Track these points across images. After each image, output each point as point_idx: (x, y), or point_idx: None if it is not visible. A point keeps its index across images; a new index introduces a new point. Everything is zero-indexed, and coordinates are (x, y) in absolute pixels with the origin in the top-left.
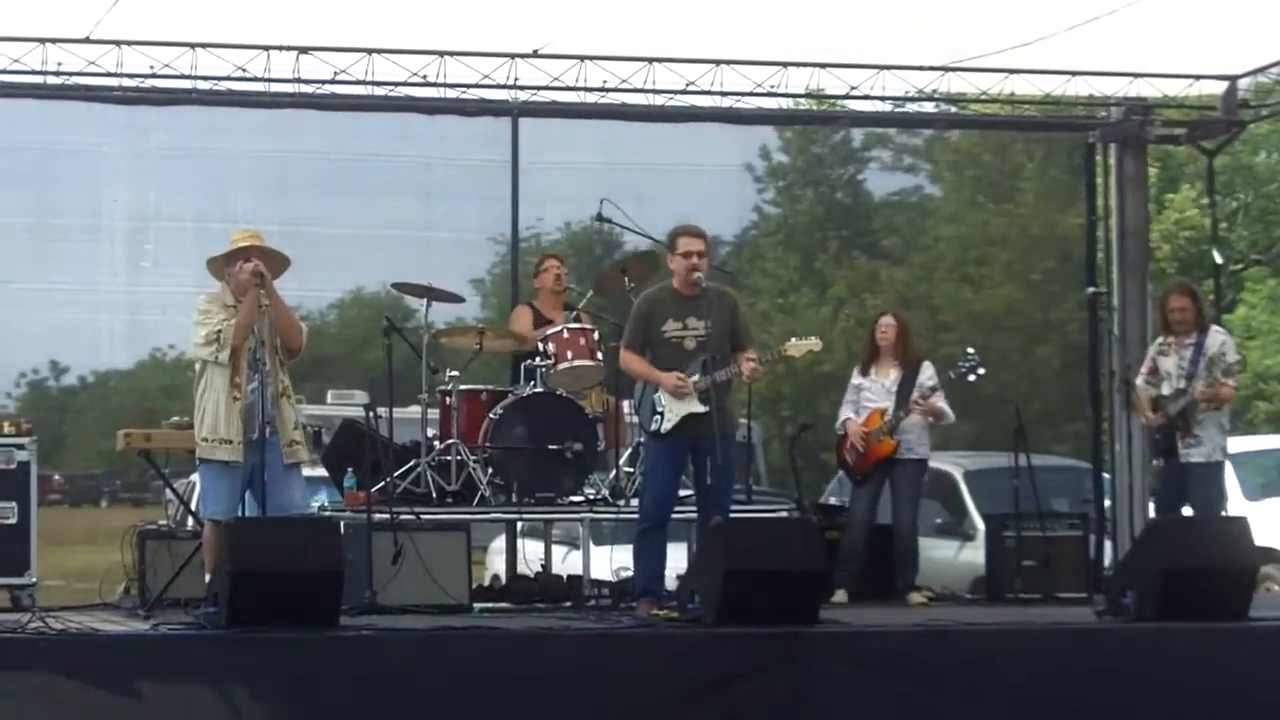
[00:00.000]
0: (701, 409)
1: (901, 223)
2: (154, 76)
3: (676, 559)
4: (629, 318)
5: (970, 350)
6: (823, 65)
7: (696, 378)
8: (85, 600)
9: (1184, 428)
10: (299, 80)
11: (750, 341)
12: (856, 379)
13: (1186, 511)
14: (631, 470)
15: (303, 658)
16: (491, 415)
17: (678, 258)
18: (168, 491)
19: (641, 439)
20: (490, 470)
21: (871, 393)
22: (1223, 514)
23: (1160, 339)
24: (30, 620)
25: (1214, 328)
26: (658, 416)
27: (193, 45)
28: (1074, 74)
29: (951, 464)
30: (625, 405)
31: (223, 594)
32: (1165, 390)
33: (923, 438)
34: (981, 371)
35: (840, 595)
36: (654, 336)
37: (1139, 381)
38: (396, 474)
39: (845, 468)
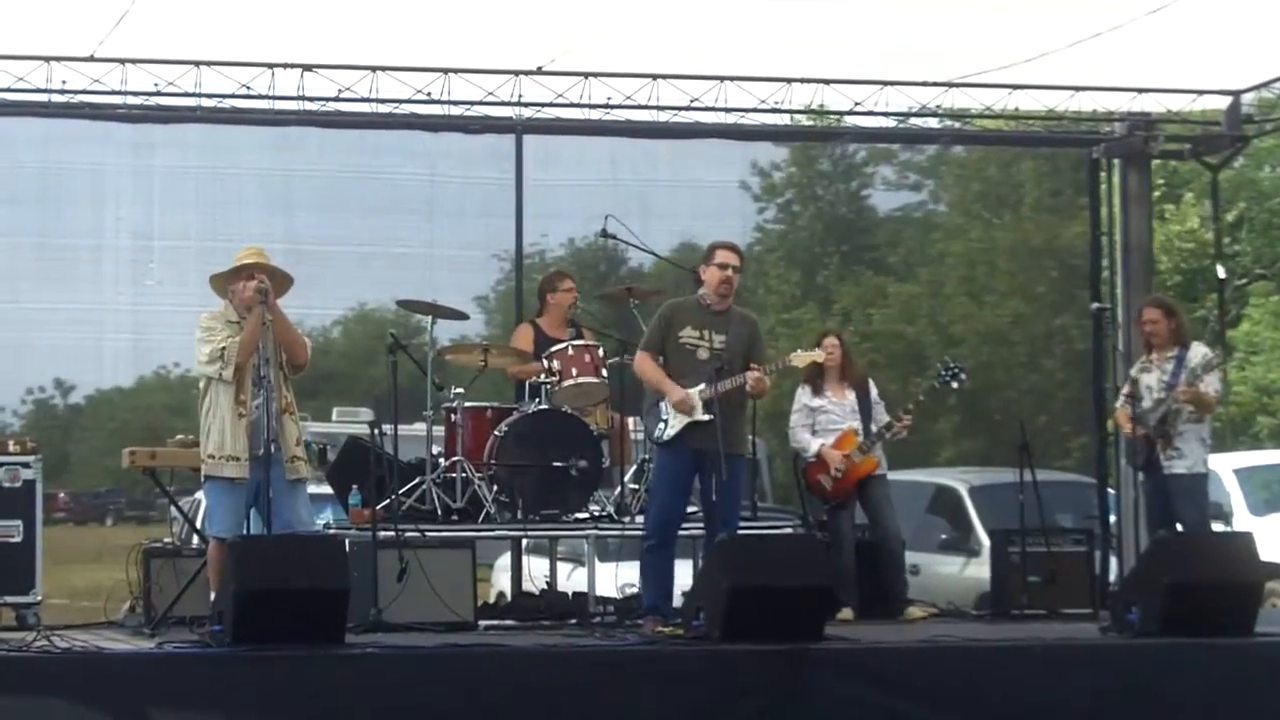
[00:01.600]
0: (705, 417)
1: (906, 238)
2: (158, 94)
3: (683, 576)
4: (651, 320)
5: (949, 358)
6: (826, 81)
7: (702, 386)
8: (90, 619)
9: (1164, 438)
10: (303, 98)
11: (765, 362)
12: (811, 400)
13: (1178, 527)
14: (636, 487)
15: (308, 676)
16: (496, 432)
17: (713, 268)
18: (173, 509)
19: (647, 455)
20: (495, 487)
21: (835, 414)
22: (1225, 528)
23: (1142, 358)
24: (35, 639)
25: (1196, 343)
26: (662, 424)
27: (197, 63)
28: (1078, 89)
29: (957, 479)
30: (630, 422)
31: (228, 612)
32: (1146, 404)
33: (884, 454)
34: (964, 378)
35: (846, 613)
36: (669, 341)
37: (1118, 402)
38: (401, 491)
39: (824, 494)
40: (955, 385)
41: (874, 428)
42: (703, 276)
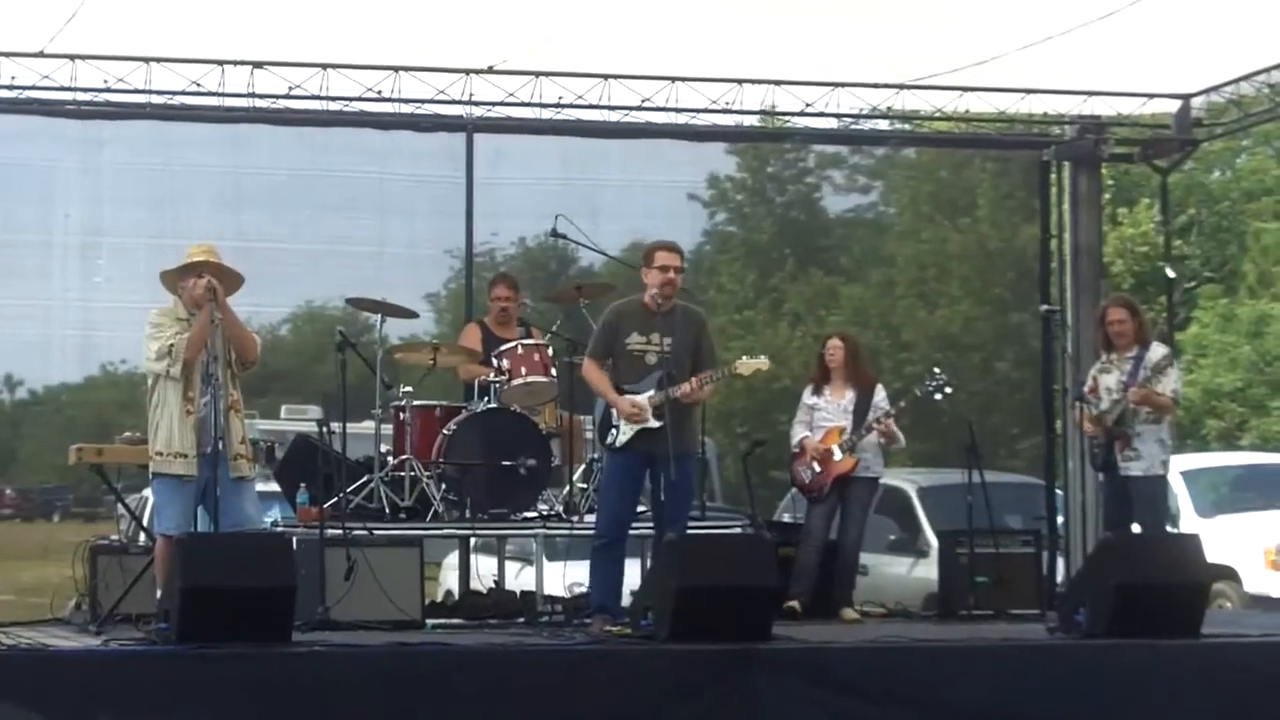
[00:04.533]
0: (655, 424)
1: (857, 240)
2: (108, 91)
3: (631, 575)
4: (597, 326)
5: (937, 370)
6: (777, 82)
7: (651, 393)
8: (36, 616)
9: (1122, 438)
10: (253, 95)
11: (713, 364)
12: (809, 399)
13: (1135, 528)
14: (585, 486)
15: (254, 674)
16: (445, 431)
17: (654, 271)
18: (120, 506)
19: (596, 455)
20: (444, 486)
21: (828, 412)
22: (1171, 529)
23: (1102, 357)
24: None
25: (1155, 343)
26: (613, 430)
27: (147, 60)
28: (1028, 92)
29: (905, 480)
30: (581, 421)
31: (174, 610)
32: (1105, 405)
33: (878, 457)
34: (949, 390)
35: (794, 603)
36: (617, 347)
37: (1070, 401)
38: (349, 489)
39: (801, 486)
40: (939, 397)
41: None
42: (644, 279)
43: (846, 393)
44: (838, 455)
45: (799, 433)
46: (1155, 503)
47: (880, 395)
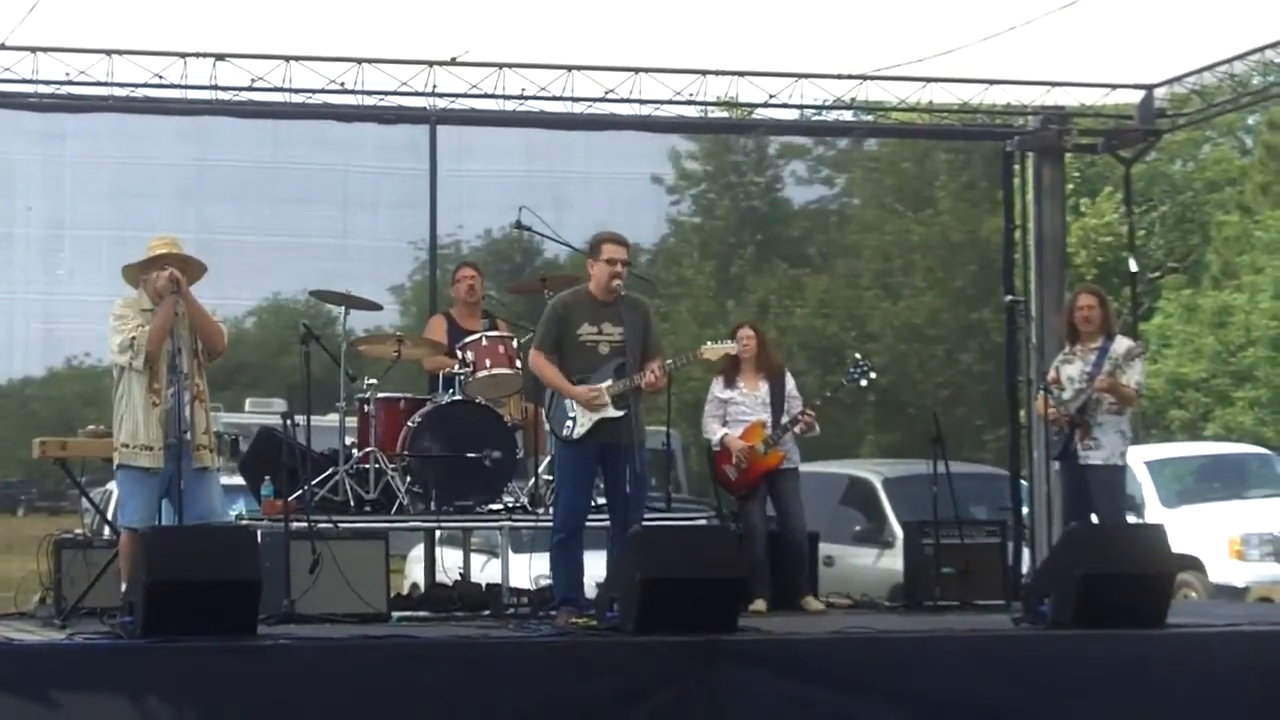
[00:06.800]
0: (615, 414)
1: (820, 230)
2: (70, 83)
3: (597, 567)
4: (541, 319)
5: (859, 356)
6: (741, 73)
7: (609, 383)
8: (0, 610)
9: (1083, 427)
10: (216, 87)
11: (659, 353)
12: (722, 392)
13: (1093, 518)
14: (550, 478)
15: (219, 667)
16: (410, 423)
17: (601, 263)
18: (84, 500)
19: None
20: (408, 478)
21: (746, 405)
22: (1136, 520)
23: (1065, 349)
24: None
25: (1120, 336)
26: (570, 422)
27: (109, 52)
28: (992, 83)
29: (870, 471)
30: (544, 412)
31: (139, 603)
32: (1067, 394)
33: (795, 446)
34: (873, 376)
35: (759, 604)
36: (568, 340)
37: (1036, 392)
38: (314, 482)
39: (728, 485)
40: (864, 384)
41: (784, 420)
42: (590, 270)
43: (760, 384)
44: (763, 451)
45: (715, 429)
46: (1114, 491)
47: (791, 384)
